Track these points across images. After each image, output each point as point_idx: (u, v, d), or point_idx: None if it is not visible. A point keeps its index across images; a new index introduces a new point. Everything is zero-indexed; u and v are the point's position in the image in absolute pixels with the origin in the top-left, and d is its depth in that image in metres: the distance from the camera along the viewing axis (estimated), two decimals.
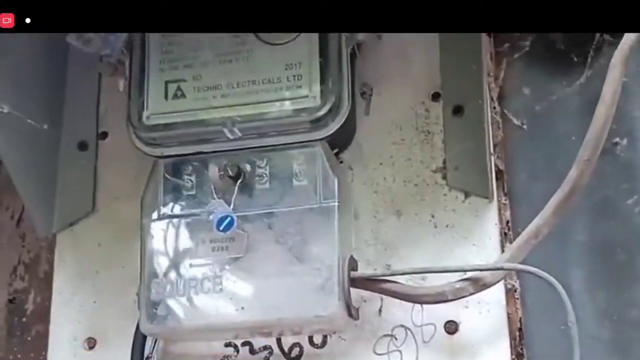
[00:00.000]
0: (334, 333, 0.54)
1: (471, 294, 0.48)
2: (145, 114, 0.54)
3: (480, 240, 0.54)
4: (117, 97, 0.62)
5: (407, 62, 0.58)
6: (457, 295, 0.48)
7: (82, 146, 0.63)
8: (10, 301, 0.66)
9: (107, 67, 0.57)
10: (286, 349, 0.56)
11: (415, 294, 0.49)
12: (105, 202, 0.62)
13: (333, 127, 0.52)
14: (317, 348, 0.55)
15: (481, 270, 0.48)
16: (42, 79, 0.61)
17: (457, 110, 0.56)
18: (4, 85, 0.53)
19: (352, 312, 0.51)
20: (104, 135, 0.63)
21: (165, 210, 0.54)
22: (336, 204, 0.51)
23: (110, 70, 0.57)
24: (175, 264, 0.53)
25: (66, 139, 0.63)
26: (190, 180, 0.55)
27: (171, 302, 0.52)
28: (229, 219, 0.50)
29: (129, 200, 0.61)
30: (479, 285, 0.48)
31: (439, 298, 0.49)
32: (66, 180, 0.63)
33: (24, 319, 0.65)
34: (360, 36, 0.53)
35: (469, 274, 0.49)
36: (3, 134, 0.54)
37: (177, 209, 0.54)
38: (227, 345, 0.57)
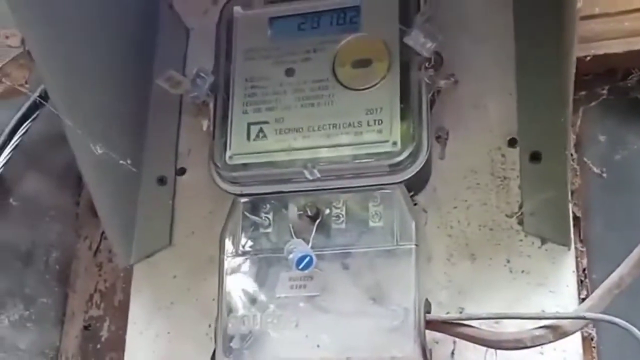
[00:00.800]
0: None
1: (550, 341, 0.48)
2: (228, 153, 0.56)
3: (557, 287, 0.54)
4: (196, 136, 0.65)
5: (483, 107, 0.59)
6: (535, 343, 0.48)
7: (161, 181, 0.65)
8: (86, 328, 0.68)
9: (191, 107, 0.59)
10: None
11: (493, 340, 0.49)
12: (181, 236, 0.64)
13: (411, 172, 0.53)
14: None
15: (562, 318, 0.48)
16: (126, 117, 0.64)
17: (535, 157, 0.56)
18: (95, 126, 0.56)
19: (426, 354, 0.51)
20: (182, 171, 0.66)
21: (243, 247, 0.56)
22: (413, 246, 0.52)
23: (194, 110, 0.59)
24: (252, 300, 0.54)
25: (146, 174, 0.66)
26: (268, 218, 0.56)
27: (247, 337, 0.53)
28: (308, 258, 0.51)
29: (204, 235, 0.63)
30: (558, 333, 0.48)
31: (517, 344, 0.48)
32: (145, 214, 0.65)
33: (99, 346, 0.67)
34: (441, 83, 0.54)
35: (547, 322, 0.49)
36: (94, 171, 0.57)
37: (255, 246, 0.55)
38: None
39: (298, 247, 0.52)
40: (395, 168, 0.53)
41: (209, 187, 0.63)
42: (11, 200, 0.63)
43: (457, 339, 0.54)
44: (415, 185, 0.56)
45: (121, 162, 0.53)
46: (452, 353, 0.55)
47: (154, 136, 0.66)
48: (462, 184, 0.58)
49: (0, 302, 0.63)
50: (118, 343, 0.66)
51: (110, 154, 0.50)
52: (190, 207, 0.65)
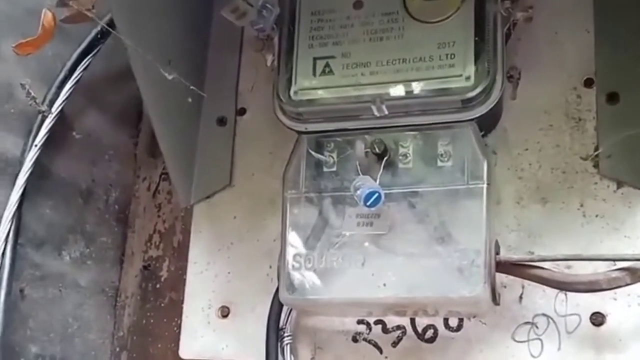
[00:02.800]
0: (473, 317, 0.54)
1: (627, 284, 0.47)
2: (292, 89, 0.55)
3: (632, 232, 0.52)
4: (259, 75, 0.64)
5: (558, 46, 0.56)
6: (611, 285, 0.47)
7: (221, 121, 0.65)
8: (145, 267, 0.69)
9: (255, 42, 0.58)
10: (420, 330, 0.56)
11: (567, 281, 0.48)
12: (241, 176, 0.64)
13: (484, 109, 0.51)
14: (452, 331, 0.55)
15: None
16: (188, 51, 0.63)
17: (612, 98, 0.54)
18: (158, 54, 0.55)
19: (495, 296, 0.50)
20: (243, 111, 0.65)
21: (307, 185, 0.55)
22: (485, 185, 0.50)
23: (258, 45, 0.58)
24: (316, 238, 0.53)
25: (206, 113, 0.65)
26: (332, 157, 0.55)
27: (311, 275, 0.52)
28: (376, 194, 0.50)
29: (264, 176, 0.63)
30: (636, 276, 0.46)
31: (592, 287, 0.47)
32: (205, 154, 0.64)
33: (158, 286, 0.68)
34: (518, 15, 0.52)
35: (624, 264, 0.47)
36: (158, 102, 0.56)
37: (318, 185, 0.54)
38: (360, 322, 0.57)
39: (366, 183, 0.50)
40: (467, 104, 0.51)
41: (269, 128, 0.63)
42: (74, 133, 0.63)
43: (525, 283, 0.53)
44: (486, 125, 0.54)
45: (191, 87, 0.52)
46: (520, 297, 0.53)
47: (214, 74, 0.65)
48: (535, 126, 0.56)
49: (62, 237, 0.64)
50: (177, 283, 0.66)
51: (179, 78, 0.49)
52: (251, 148, 0.64)
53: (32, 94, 0.54)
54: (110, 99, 0.69)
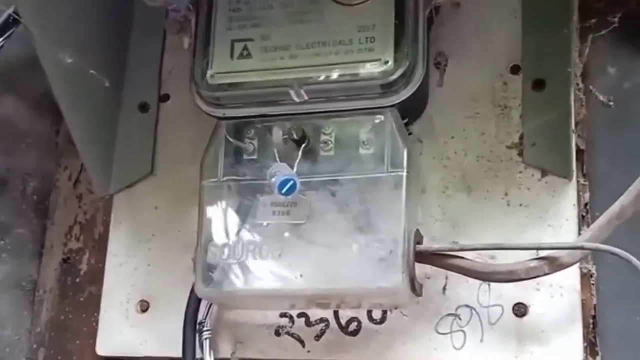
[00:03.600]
0: (395, 308, 0.52)
1: (545, 274, 0.45)
2: (209, 72, 0.52)
3: (556, 221, 0.51)
4: (181, 59, 0.62)
5: (485, 32, 0.55)
6: (530, 275, 0.46)
7: (143, 107, 0.62)
8: (65, 261, 0.66)
9: (173, 24, 0.56)
10: (343, 323, 0.54)
11: (486, 271, 0.47)
12: (164, 165, 0.61)
13: (405, 94, 0.50)
14: (375, 324, 0.53)
15: (559, 248, 0.45)
16: (105, 34, 0.60)
17: (538, 85, 0.53)
18: (66, 37, 0.52)
19: (415, 287, 0.48)
20: (166, 97, 0.62)
21: (225, 173, 0.52)
22: (404, 173, 0.49)
23: (176, 27, 0.56)
24: (233, 228, 0.51)
25: (127, 99, 0.62)
26: (252, 143, 0.53)
27: (228, 267, 0.50)
28: (291, 182, 0.48)
29: (188, 164, 0.60)
30: (554, 265, 0.45)
31: (510, 276, 0.46)
32: (125, 142, 0.62)
33: (77, 280, 0.65)
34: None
35: (544, 254, 0.46)
36: (66, 87, 0.53)
37: (237, 172, 0.52)
38: (283, 315, 0.55)
39: (281, 171, 0.48)
40: (387, 89, 0.49)
41: (193, 115, 0.60)
42: None
43: (449, 274, 0.52)
44: (410, 111, 0.53)
45: (91, 71, 0.49)
46: (444, 288, 0.52)
47: (136, 58, 0.62)
48: (461, 113, 0.54)
49: None
50: (98, 276, 0.63)
51: (80, 64, 0.46)
52: (174, 135, 0.61)
53: None
54: (28, 85, 0.65)
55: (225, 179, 0.52)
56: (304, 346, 0.55)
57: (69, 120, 0.54)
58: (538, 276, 0.46)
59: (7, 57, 0.61)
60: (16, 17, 0.51)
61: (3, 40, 0.59)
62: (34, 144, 0.66)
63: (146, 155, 0.61)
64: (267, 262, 0.50)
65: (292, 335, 0.55)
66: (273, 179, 0.48)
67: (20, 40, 0.60)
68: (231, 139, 0.53)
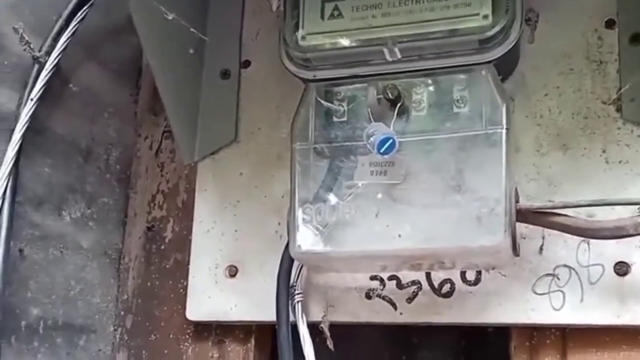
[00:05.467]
0: (492, 269, 0.52)
1: None
2: (300, 33, 0.52)
3: None
4: (263, 24, 0.62)
5: None
6: (639, 230, 0.44)
7: (225, 74, 0.62)
8: (149, 229, 0.67)
9: None
10: (436, 285, 0.54)
11: (592, 228, 0.46)
12: (247, 131, 0.61)
13: (502, 50, 0.49)
14: (469, 285, 0.53)
15: None
16: (187, 3, 0.60)
17: (635, 39, 0.51)
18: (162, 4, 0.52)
19: (516, 246, 0.48)
20: (247, 63, 0.62)
21: (317, 136, 0.52)
22: (504, 130, 0.48)
23: None
24: (326, 190, 0.51)
25: (209, 67, 0.63)
26: (342, 105, 0.52)
27: (323, 228, 0.50)
28: (390, 141, 0.48)
29: (271, 130, 0.60)
30: None
31: (619, 232, 0.45)
32: (208, 109, 0.62)
33: (163, 247, 0.66)
34: None
35: None
36: (159, 48, 0.54)
37: (328, 135, 0.52)
38: (373, 278, 0.55)
39: (379, 130, 0.48)
40: (485, 45, 0.48)
41: (275, 80, 0.60)
42: (71, 85, 0.60)
43: (546, 234, 0.51)
44: (503, 69, 0.51)
45: (192, 29, 0.49)
46: (541, 249, 0.51)
47: (216, 25, 0.63)
48: (554, 70, 0.53)
49: (62, 197, 0.61)
50: (183, 243, 0.64)
51: (180, 20, 0.46)
52: (256, 101, 0.61)
53: (26, 38, 0.52)
54: (108, 54, 0.66)
55: (316, 141, 0.52)
56: (395, 309, 0.55)
57: (161, 87, 0.55)
58: None
59: (88, 27, 0.61)
60: None
61: (87, 8, 0.59)
62: (115, 114, 0.67)
63: (229, 121, 0.62)
64: (363, 222, 0.49)
65: (383, 298, 0.55)
66: (371, 139, 0.48)
67: (100, 7, 0.61)
68: (322, 101, 0.52)
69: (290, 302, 0.55)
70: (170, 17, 0.46)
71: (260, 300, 0.57)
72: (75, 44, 0.59)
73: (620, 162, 0.51)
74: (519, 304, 0.51)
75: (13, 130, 0.54)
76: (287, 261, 0.55)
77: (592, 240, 0.50)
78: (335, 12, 0.52)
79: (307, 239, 0.50)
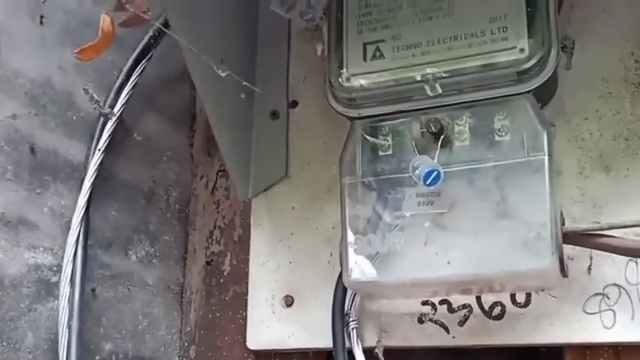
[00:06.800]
0: (542, 291, 0.53)
1: None
2: (344, 75, 0.55)
3: None
4: (309, 66, 0.65)
5: (612, 11, 0.55)
6: None
7: (274, 115, 0.66)
8: (208, 263, 0.70)
9: (304, 33, 0.59)
10: (487, 308, 0.55)
11: (639, 247, 0.47)
12: (297, 167, 0.64)
13: (540, 80, 0.50)
14: (520, 307, 0.54)
15: None
16: (237, 49, 0.64)
17: None
18: (215, 50, 0.56)
19: (564, 268, 0.49)
20: (294, 103, 0.66)
21: (364, 169, 0.55)
22: (546, 156, 0.50)
23: (308, 36, 0.58)
24: (376, 221, 0.53)
25: (259, 108, 0.66)
26: (387, 139, 0.55)
27: (374, 257, 0.53)
28: (435, 172, 0.50)
29: (319, 165, 0.63)
30: None
31: None
32: (260, 148, 0.65)
33: (222, 280, 0.69)
34: None
35: None
36: (214, 99, 0.57)
37: (375, 168, 0.54)
38: (425, 303, 0.57)
39: (424, 162, 0.50)
40: (523, 76, 0.50)
41: (321, 118, 0.63)
42: (135, 136, 0.64)
43: (593, 254, 0.52)
44: (542, 97, 0.53)
45: (244, 83, 0.53)
46: (589, 269, 0.53)
47: (264, 69, 0.66)
48: (593, 94, 0.55)
49: (128, 238, 0.65)
50: (240, 276, 0.67)
51: (233, 75, 0.50)
52: (304, 139, 0.65)
53: (95, 97, 0.56)
54: (165, 102, 0.70)
55: (363, 175, 0.55)
56: (448, 332, 0.56)
57: (216, 131, 0.58)
58: None
59: (146, 79, 0.66)
60: (165, 30, 0.55)
61: (145, 62, 0.64)
62: (173, 157, 0.71)
63: (280, 159, 0.65)
64: (413, 251, 0.52)
65: (435, 322, 0.57)
66: (417, 171, 0.50)
67: (156, 60, 0.65)
68: (368, 137, 0.55)
69: (345, 329, 0.57)
70: (223, 75, 0.49)
71: (316, 327, 0.60)
72: (135, 95, 0.64)
73: None
74: (570, 324, 0.52)
75: (83, 179, 0.58)
76: (341, 290, 0.57)
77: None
78: (377, 53, 0.55)
79: (358, 269, 0.53)
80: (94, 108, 0.57)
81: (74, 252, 0.56)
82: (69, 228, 0.57)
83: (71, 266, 0.55)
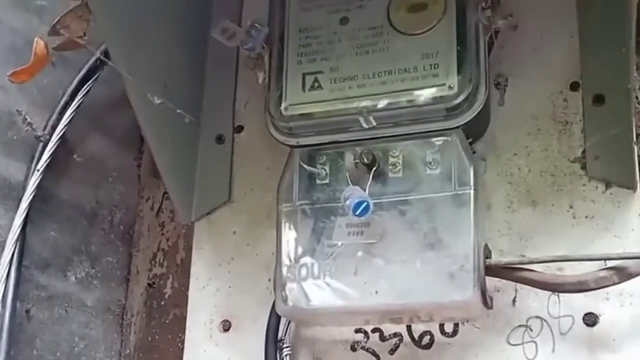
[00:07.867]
0: (467, 321, 0.54)
1: (615, 283, 0.47)
2: (283, 104, 0.56)
3: (622, 231, 0.52)
4: (253, 92, 0.66)
5: (543, 52, 0.57)
6: (599, 285, 0.47)
7: (220, 139, 0.66)
8: (150, 285, 0.70)
9: (248, 61, 0.60)
10: (416, 337, 0.56)
11: (556, 282, 0.48)
12: (240, 192, 0.65)
13: (469, 116, 0.52)
14: (448, 337, 0.55)
15: (627, 258, 0.47)
16: (184, 74, 0.65)
17: (598, 100, 0.55)
18: (154, 78, 0.57)
19: (486, 300, 0.50)
20: (240, 128, 0.66)
21: (300, 197, 0.56)
22: (472, 191, 0.51)
23: (250, 64, 0.59)
24: (309, 249, 0.54)
25: (204, 132, 0.67)
26: (324, 169, 0.56)
27: (306, 285, 0.53)
28: (365, 203, 0.51)
29: (262, 191, 0.64)
30: (623, 274, 0.47)
31: (581, 287, 0.47)
32: (204, 172, 0.66)
33: (163, 303, 0.69)
34: (499, 23, 0.53)
35: (612, 264, 0.48)
36: (153, 125, 0.58)
37: (311, 197, 0.55)
38: (357, 331, 0.58)
39: (354, 193, 0.52)
40: (452, 112, 0.52)
41: (266, 144, 0.64)
42: (75, 156, 0.65)
43: (518, 287, 0.53)
44: (474, 131, 0.55)
45: (178, 111, 0.54)
46: (514, 300, 0.54)
47: (211, 93, 0.67)
48: (523, 130, 0.57)
49: (67, 259, 0.65)
50: (181, 299, 0.67)
51: (167, 103, 0.51)
52: (248, 164, 0.65)
53: (28, 119, 0.57)
54: (112, 123, 0.71)
55: (300, 203, 0.56)
56: None
57: (156, 155, 0.59)
58: (607, 286, 0.47)
59: (92, 97, 0.66)
60: (104, 60, 0.56)
61: (91, 82, 0.64)
62: (119, 178, 0.71)
63: (223, 183, 0.65)
64: (343, 280, 0.53)
65: (367, 350, 0.58)
66: (347, 202, 0.51)
67: (104, 80, 0.66)
68: (305, 166, 0.56)
69: (278, 355, 0.58)
70: (157, 102, 0.50)
71: (252, 353, 0.60)
72: (80, 115, 0.64)
73: (586, 217, 0.53)
74: (494, 354, 0.54)
75: (20, 199, 0.58)
76: (275, 316, 0.58)
77: None
78: (316, 84, 0.56)
79: (291, 296, 0.54)
80: (26, 130, 0.57)
81: (7, 273, 0.56)
82: (3, 248, 0.57)
83: (3, 286, 0.55)
